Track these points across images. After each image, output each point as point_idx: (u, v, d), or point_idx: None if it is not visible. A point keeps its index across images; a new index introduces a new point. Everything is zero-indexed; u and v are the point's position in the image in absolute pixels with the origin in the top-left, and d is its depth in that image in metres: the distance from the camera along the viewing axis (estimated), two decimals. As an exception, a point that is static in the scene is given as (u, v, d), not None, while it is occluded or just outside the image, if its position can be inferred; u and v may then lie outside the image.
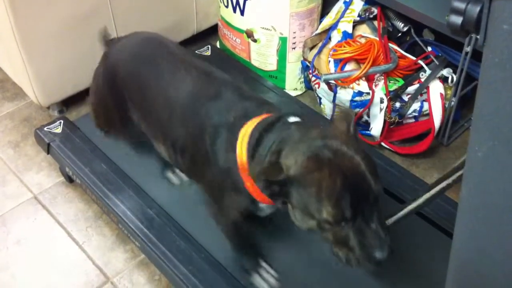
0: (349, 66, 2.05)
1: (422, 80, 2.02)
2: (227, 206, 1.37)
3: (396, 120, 2.03)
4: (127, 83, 1.52)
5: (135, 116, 1.55)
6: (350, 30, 2.11)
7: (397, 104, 2.02)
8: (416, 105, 2.02)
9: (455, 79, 1.97)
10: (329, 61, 2.08)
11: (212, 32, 2.57)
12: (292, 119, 1.24)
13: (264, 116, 1.26)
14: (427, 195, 1.20)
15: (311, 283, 1.54)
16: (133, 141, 1.68)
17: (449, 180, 1.13)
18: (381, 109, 2.01)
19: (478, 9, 0.72)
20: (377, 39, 2.06)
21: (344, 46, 2.06)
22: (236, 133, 1.25)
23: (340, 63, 2.05)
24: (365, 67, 1.99)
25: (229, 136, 1.26)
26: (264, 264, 1.55)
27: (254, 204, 1.30)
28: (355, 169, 1.06)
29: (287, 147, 1.13)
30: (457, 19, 0.72)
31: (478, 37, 0.71)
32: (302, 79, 2.36)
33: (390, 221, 1.29)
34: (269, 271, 1.54)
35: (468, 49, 1.82)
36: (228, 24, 2.34)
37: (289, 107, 2.11)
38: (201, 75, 1.41)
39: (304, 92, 2.39)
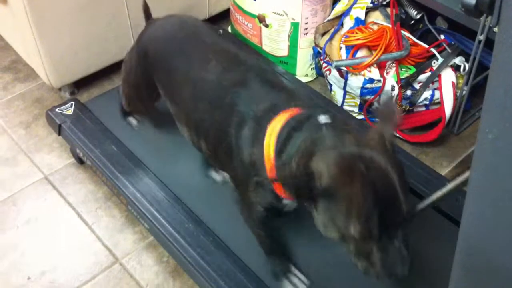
0: (361, 53, 2.04)
1: (434, 68, 2.01)
2: (252, 201, 1.34)
3: (407, 108, 2.03)
4: (157, 64, 1.53)
5: (163, 97, 1.57)
6: (362, 17, 2.10)
7: (408, 92, 2.01)
8: (427, 93, 2.01)
9: (467, 67, 1.96)
10: (341, 47, 2.07)
11: (224, 16, 2.57)
12: (323, 118, 1.19)
13: (293, 111, 1.23)
14: (450, 186, 1.18)
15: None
16: (158, 122, 1.69)
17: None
18: (392, 97, 2.00)
19: (492, -11, 0.72)
20: (390, 26, 2.05)
21: (356, 33, 2.06)
22: (263, 128, 1.22)
23: (352, 49, 2.04)
24: (376, 54, 1.98)
25: (256, 130, 1.24)
26: (294, 269, 1.50)
27: (278, 200, 1.28)
28: (388, 186, 1.03)
29: (319, 152, 1.10)
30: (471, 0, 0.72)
31: (490, 23, 0.70)
32: (313, 65, 2.36)
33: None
34: (299, 276, 1.49)
35: (481, 37, 1.81)
36: (240, 8, 2.34)
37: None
38: (228, 59, 1.40)
39: (315, 79, 2.39)
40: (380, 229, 1.03)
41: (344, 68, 2.05)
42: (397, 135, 2.09)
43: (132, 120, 1.95)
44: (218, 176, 1.75)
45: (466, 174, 1.14)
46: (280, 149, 1.18)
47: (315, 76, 2.39)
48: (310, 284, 1.48)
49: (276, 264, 1.50)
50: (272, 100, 1.27)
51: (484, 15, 0.72)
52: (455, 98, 1.99)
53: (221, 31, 2.38)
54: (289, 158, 1.15)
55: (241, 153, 1.27)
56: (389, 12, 2.11)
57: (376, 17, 2.13)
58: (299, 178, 1.07)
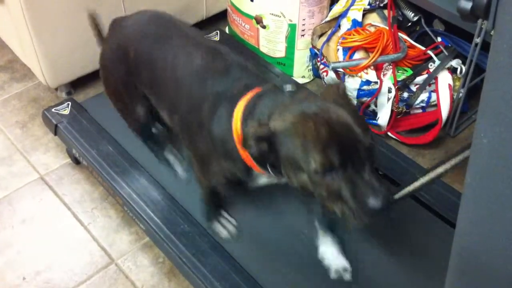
0: (358, 55, 2.05)
1: (431, 70, 2.01)
2: (214, 172, 1.41)
3: (404, 110, 2.03)
4: (137, 57, 1.52)
5: (144, 91, 1.57)
6: (359, 19, 2.10)
7: (405, 94, 2.02)
8: (424, 96, 2.02)
9: (464, 70, 1.96)
10: (338, 49, 2.07)
11: (221, 17, 2.57)
12: (286, 87, 1.27)
13: (262, 88, 1.29)
14: (425, 178, 1.20)
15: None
16: (143, 121, 1.69)
17: (448, 165, 1.13)
18: (388, 99, 2.01)
19: (488, -6, 0.72)
20: (387, 28, 2.05)
21: (354, 35, 2.06)
22: (235, 104, 1.27)
23: (349, 51, 2.04)
24: (374, 56, 1.98)
25: (228, 106, 1.28)
26: (225, 214, 1.66)
27: (248, 172, 1.32)
28: (341, 120, 1.08)
29: (277, 111, 1.15)
30: (467, 4, 0.72)
31: (485, 26, 0.70)
32: (310, 67, 2.36)
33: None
34: (229, 219, 1.64)
35: (478, 40, 1.81)
36: (238, 9, 2.34)
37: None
38: (210, 51, 1.43)
39: (311, 80, 2.39)
40: (341, 159, 1.05)
41: (341, 69, 2.05)
42: (394, 137, 2.09)
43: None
44: (171, 157, 1.80)
45: (445, 166, 1.15)
46: (245, 118, 1.23)
47: (312, 77, 2.39)
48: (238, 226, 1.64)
49: (210, 209, 1.65)
50: (246, 82, 1.32)
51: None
52: (452, 100, 1.99)
53: (218, 32, 2.38)
54: (254, 123, 1.20)
55: (213, 128, 1.32)
56: (386, 14, 2.11)
57: (373, 19, 2.13)
58: (258, 132, 1.12)
